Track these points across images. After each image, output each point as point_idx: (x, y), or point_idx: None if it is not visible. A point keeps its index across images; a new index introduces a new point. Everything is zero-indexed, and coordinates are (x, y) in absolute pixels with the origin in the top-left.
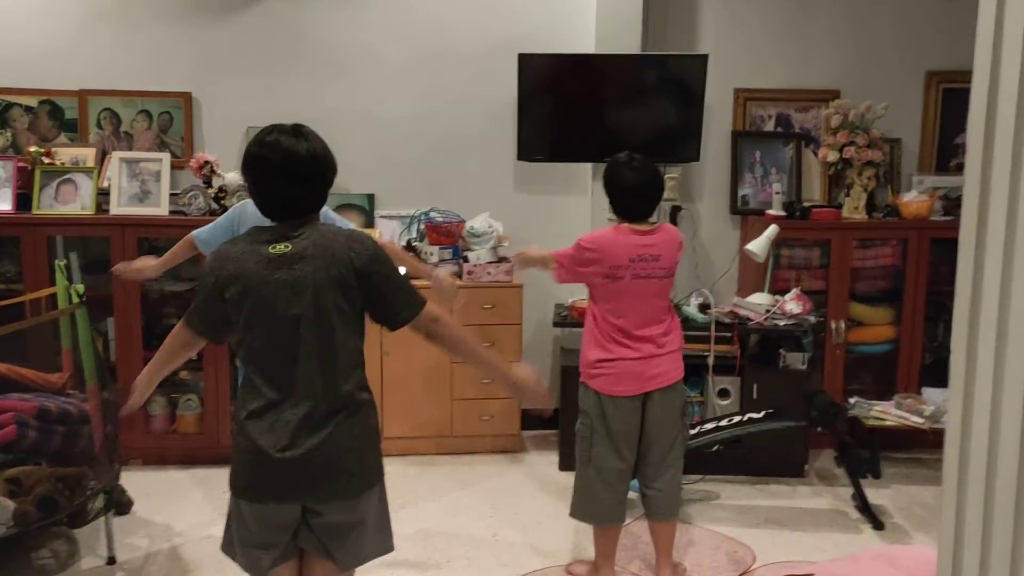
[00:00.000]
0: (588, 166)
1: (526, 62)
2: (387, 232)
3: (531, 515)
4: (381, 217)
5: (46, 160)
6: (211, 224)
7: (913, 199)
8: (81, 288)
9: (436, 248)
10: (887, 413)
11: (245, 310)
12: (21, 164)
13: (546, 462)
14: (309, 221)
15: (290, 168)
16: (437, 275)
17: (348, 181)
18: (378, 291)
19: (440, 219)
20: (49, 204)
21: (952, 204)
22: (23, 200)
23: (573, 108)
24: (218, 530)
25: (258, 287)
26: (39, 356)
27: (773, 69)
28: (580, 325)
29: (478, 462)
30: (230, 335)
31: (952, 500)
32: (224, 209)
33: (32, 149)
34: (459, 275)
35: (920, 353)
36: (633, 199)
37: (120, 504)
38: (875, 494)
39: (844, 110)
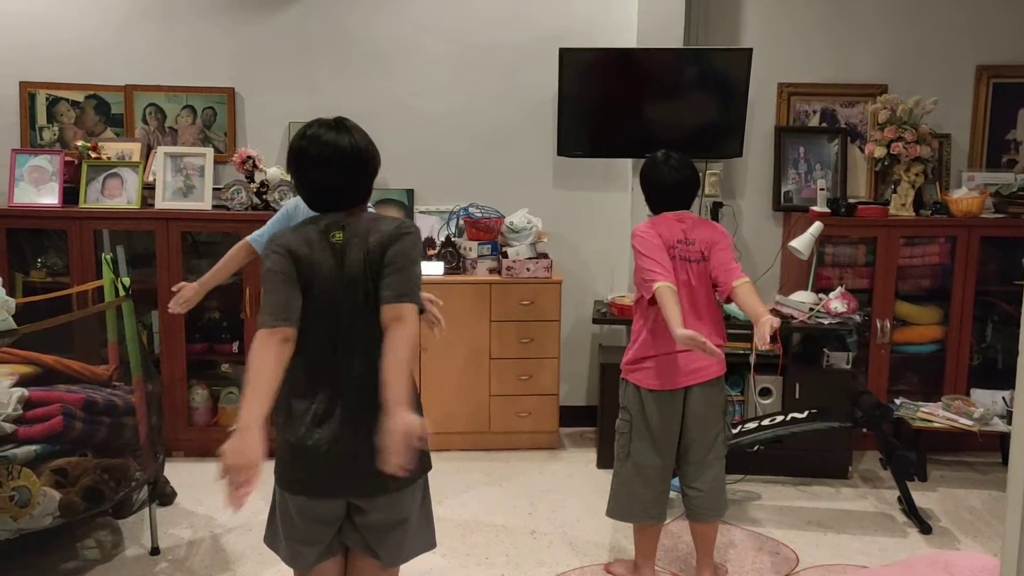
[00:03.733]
0: (628, 162)
1: (567, 56)
2: (426, 228)
3: (570, 512)
4: (420, 212)
5: (93, 154)
6: (264, 226)
7: (963, 196)
8: (127, 281)
9: (475, 243)
10: (934, 415)
11: (309, 300)
12: (68, 158)
13: (584, 459)
14: (355, 213)
15: (331, 160)
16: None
17: (387, 176)
18: (391, 265)
19: (479, 214)
20: (95, 198)
21: (1004, 201)
22: (70, 194)
23: (614, 103)
24: (259, 522)
25: (323, 277)
26: (86, 348)
27: (818, 63)
28: (619, 322)
29: (515, 458)
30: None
31: (1018, 507)
32: (266, 204)
33: (79, 143)
34: (498, 271)
35: (968, 353)
36: (671, 197)
37: (164, 495)
38: (921, 497)
39: (892, 105)
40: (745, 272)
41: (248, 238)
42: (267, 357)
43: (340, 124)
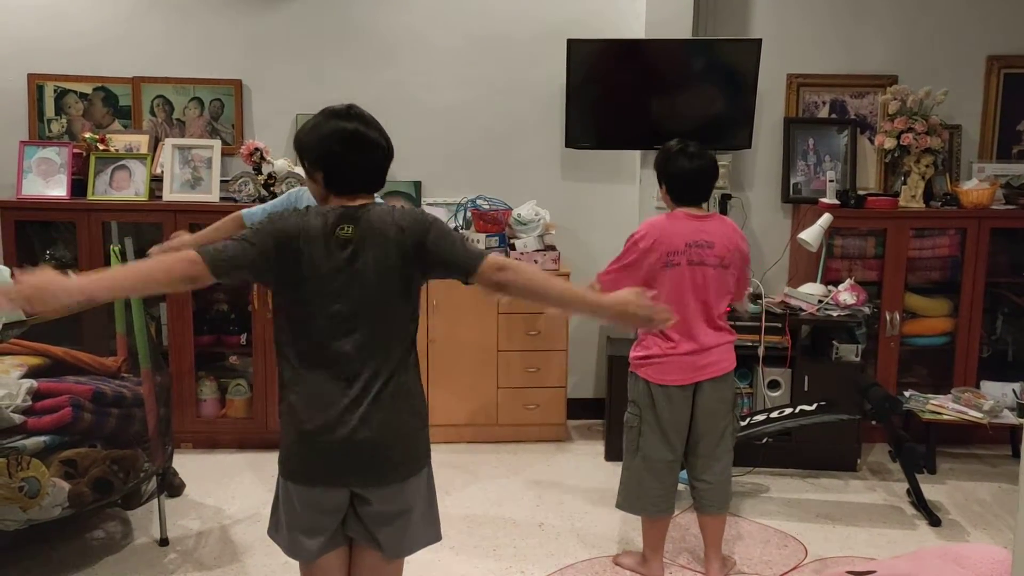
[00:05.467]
0: (636, 154)
1: (575, 48)
2: None
3: (577, 504)
4: (428, 204)
5: (101, 146)
6: (262, 206)
7: (973, 187)
8: None
9: (483, 235)
10: (944, 407)
11: (302, 290)
12: (76, 150)
13: (592, 452)
14: (368, 202)
15: (376, 145)
16: None
17: (395, 168)
18: (441, 253)
19: (487, 206)
20: (103, 190)
21: (1014, 192)
22: (78, 186)
23: (622, 94)
24: (268, 513)
25: (321, 269)
26: (94, 340)
27: (827, 54)
28: None
29: (523, 450)
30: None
31: None
32: (273, 195)
33: (87, 135)
34: None
35: (978, 346)
36: (689, 186)
37: (172, 486)
38: (930, 490)
39: (902, 96)
40: (754, 264)
41: (243, 212)
42: (155, 267)
43: (367, 115)
